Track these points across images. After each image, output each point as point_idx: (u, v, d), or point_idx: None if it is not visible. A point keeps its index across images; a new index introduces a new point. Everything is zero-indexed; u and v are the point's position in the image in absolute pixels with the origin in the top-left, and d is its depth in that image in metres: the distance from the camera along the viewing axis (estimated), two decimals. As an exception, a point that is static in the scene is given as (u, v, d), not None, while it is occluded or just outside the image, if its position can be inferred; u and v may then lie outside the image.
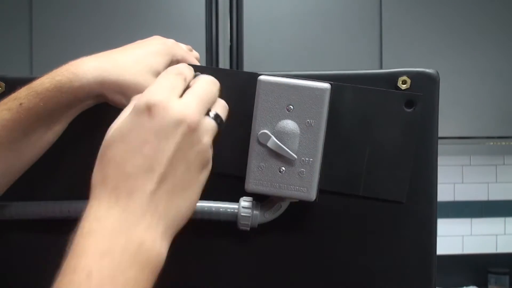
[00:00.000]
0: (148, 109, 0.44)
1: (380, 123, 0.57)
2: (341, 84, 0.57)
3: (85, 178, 0.60)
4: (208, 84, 0.51)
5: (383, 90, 0.57)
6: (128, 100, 0.52)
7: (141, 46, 0.59)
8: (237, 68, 1.70)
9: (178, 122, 0.44)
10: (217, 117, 0.50)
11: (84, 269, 0.39)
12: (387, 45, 1.73)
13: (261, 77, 0.55)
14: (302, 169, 0.55)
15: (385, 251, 0.59)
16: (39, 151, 0.57)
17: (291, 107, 0.55)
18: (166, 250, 0.44)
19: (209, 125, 0.48)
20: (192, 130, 0.45)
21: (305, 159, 0.55)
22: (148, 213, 0.43)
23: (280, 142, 0.55)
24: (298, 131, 0.55)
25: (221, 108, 0.52)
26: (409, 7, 1.75)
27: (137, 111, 0.45)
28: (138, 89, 0.55)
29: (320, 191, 0.57)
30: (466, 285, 2.13)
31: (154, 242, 0.43)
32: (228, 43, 1.71)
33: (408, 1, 1.75)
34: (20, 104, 0.53)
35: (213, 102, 0.50)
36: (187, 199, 0.46)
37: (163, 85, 0.47)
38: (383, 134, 0.58)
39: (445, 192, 2.16)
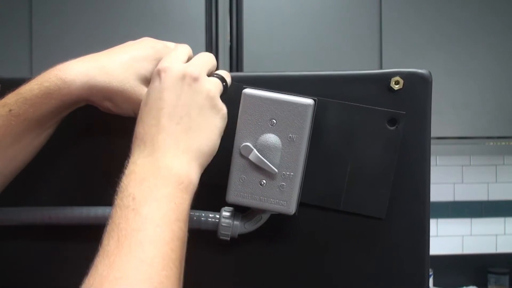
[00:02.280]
0: (158, 74, 0.54)
1: (362, 139, 0.58)
2: (325, 100, 0.58)
3: (71, 184, 0.60)
4: (206, 55, 0.58)
5: (367, 107, 0.58)
6: (115, 106, 0.57)
7: (129, 50, 0.59)
8: (237, 68, 1.70)
9: (182, 76, 0.53)
10: (220, 78, 0.57)
11: (129, 196, 0.48)
12: (387, 45, 1.73)
13: (245, 90, 0.56)
14: (282, 183, 0.55)
15: (376, 252, 0.59)
16: (31, 154, 0.58)
17: (274, 121, 0.55)
18: (196, 175, 0.52)
19: (213, 79, 0.56)
20: (195, 79, 0.54)
21: (286, 173, 0.55)
22: (172, 148, 0.52)
23: (261, 155, 0.55)
24: (280, 145, 0.55)
25: (223, 72, 0.59)
26: (410, 7, 1.74)
27: (152, 80, 0.54)
28: (124, 96, 0.56)
29: (301, 204, 0.57)
30: (466, 285, 2.13)
31: (182, 167, 0.51)
32: (228, 43, 1.71)
33: (408, 2, 1.75)
34: (10, 110, 0.54)
35: (213, 68, 0.58)
36: (204, 135, 0.54)
37: (170, 55, 0.56)
38: (365, 150, 0.58)
39: (445, 192, 2.16)
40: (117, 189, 0.50)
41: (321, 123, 0.58)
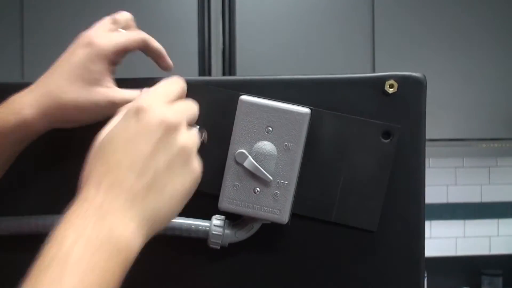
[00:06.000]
0: (136, 113, 0.47)
1: (356, 151, 0.57)
2: (321, 110, 0.57)
3: (59, 193, 0.59)
4: (189, 103, 0.52)
5: (361, 119, 0.57)
6: (79, 121, 0.55)
7: (67, 60, 0.56)
8: (230, 72, 1.70)
9: (160, 123, 0.46)
10: (201, 134, 0.53)
11: (61, 243, 0.41)
12: (379, 47, 1.73)
13: (242, 97, 0.55)
14: (276, 191, 0.55)
15: (371, 258, 0.59)
16: None
17: (270, 129, 0.55)
18: (138, 244, 0.45)
19: (192, 132, 0.50)
20: (173, 129, 0.47)
21: (281, 182, 0.55)
22: (123, 207, 0.44)
23: (257, 162, 0.55)
24: (276, 153, 0.55)
25: (206, 133, 0.55)
26: (402, 10, 1.75)
27: (127, 116, 0.47)
28: (81, 109, 0.54)
29: (292, 214, 0.57)
30: (460, 287, 2.13)
31: (126, 232, 0.43)
32: (221, 46, 1.71)
33: (401, 4, 1.75)
34: None
35: (194, 118, 0.52)
36: (166, 199, 0.47)
37: (155, 91, 0.50)
38: (359, 163, 0.58)
39: (438, 194, 2.17)
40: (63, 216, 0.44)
41: (314, 133, 0.57)
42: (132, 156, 0.45)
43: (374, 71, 1.71)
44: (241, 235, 0.57)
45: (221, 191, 0.56)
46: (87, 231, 0.42)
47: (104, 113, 0.55)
